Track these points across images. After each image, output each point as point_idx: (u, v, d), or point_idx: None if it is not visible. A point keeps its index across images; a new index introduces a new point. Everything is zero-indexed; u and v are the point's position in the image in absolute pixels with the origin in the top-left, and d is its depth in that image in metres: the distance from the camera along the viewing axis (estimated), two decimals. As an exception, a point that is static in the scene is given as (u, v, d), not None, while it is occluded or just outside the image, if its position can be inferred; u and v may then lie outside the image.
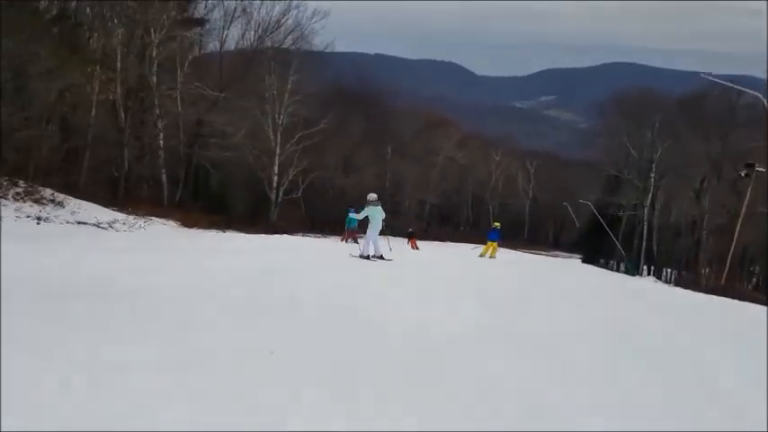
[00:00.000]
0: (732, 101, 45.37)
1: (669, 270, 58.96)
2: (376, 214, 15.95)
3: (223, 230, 34.92)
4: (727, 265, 35.39)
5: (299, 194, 48.10)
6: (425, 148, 74.37)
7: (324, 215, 53.37)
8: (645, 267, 58.39)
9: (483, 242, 29.35)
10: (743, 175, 34.04)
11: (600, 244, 68.77)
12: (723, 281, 35.40)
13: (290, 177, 46.70)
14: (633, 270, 52.36)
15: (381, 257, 15.94)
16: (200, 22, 34.85)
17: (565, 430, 4.59)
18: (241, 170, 42.09)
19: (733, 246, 34.54)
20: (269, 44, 38.88)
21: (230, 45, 37.19)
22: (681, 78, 59.48)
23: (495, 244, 25.98)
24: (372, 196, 16.37)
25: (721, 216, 45.74)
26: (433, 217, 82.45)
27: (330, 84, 56.47)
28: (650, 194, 58.93)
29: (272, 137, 45.00)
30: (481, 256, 24.86)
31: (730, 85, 32.84)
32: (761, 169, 33.53)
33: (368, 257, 15.74)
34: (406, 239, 38.07)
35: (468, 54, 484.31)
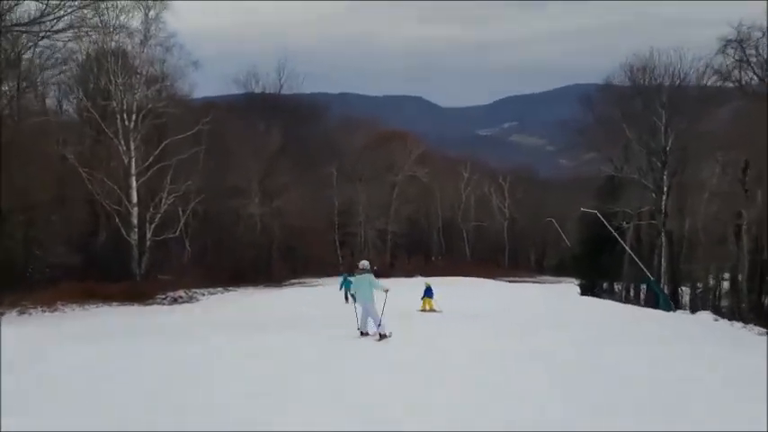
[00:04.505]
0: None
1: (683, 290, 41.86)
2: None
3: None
4: None
5: (178, 232, 30.02)
6: (381, 166, 56.81)
7: (235, 260, 35.26)
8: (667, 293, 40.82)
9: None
10: None
11: (599, 265, 51.49)
12: None
13: (163, 207, 28.79)
14: (668, 302, 34.73)
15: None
16: None
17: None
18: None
19: None
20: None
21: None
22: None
23: (431, 300, 23.64)
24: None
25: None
26: (398, 248, 64.33)
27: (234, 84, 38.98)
28: (663, 196, 41.68)
29: (122, 147, 27.22)
30: (422, 310, 22.93)
31: None
32: None
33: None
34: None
35: (432, 88, 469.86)
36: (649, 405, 8.55)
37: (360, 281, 13.32)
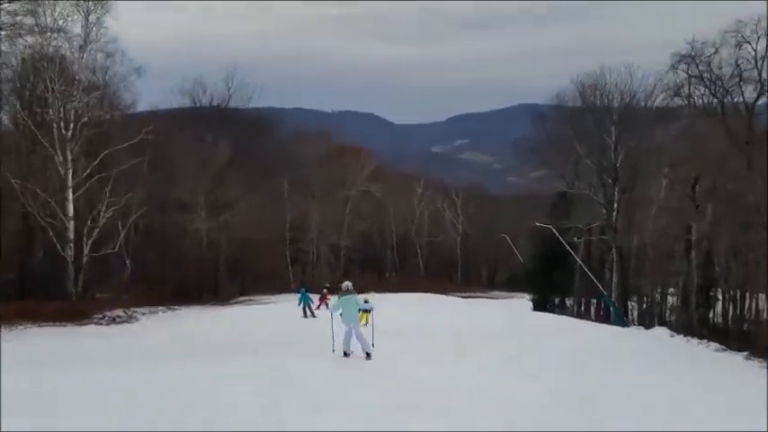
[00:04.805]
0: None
1: (633, 305, 42.03)
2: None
3: None
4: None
5: (117, 248, 28.33)
6: (334, 181, 55.73)
7: (180, 275, 33.57)
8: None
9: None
10: None
11: (551, 280, 51.52)
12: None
13: (102, 221, 27.10)
14: (622, 318, 34.70)
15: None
16: None
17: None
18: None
19: None
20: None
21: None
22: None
23: (367, 314, 21.07)
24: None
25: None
26: (351, 264, 63.15)
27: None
28: (614, 212, 41.94)
29: (58, 158, 25.53)
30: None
31: None
32: None
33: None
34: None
35: (385, 104, 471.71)
36: (636, 407, 8.39)
37: (346, 302, 13.45)
